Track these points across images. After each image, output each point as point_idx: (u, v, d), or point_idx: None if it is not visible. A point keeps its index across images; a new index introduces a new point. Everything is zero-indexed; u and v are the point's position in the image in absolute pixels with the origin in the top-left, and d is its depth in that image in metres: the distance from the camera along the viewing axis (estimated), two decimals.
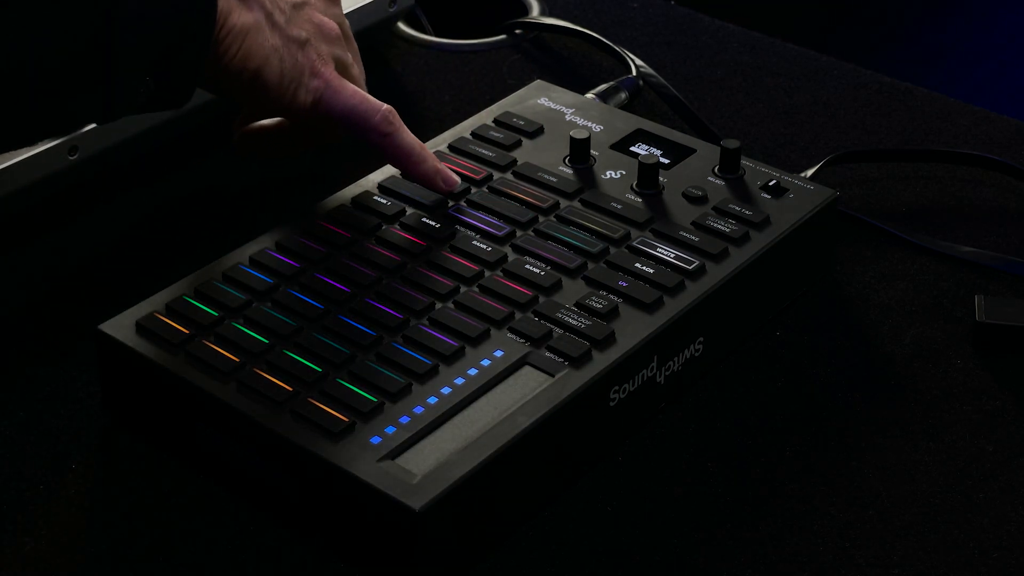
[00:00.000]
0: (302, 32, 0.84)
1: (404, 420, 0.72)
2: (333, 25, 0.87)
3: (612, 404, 0.76)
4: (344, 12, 0.92)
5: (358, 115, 0.84)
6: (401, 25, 1.13)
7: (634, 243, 0.82)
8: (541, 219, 0.85)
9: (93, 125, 0.91)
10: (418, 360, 0.75)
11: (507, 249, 0.82)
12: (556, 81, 0.99)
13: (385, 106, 0.84)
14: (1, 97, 0.72)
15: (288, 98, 0.83)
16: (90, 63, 0.74)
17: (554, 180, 0.87)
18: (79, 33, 0.73)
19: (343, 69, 0.87)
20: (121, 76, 0.75)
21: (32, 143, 0.80)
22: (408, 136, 0.85)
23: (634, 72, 1.04)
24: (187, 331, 0.77)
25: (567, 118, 0.93)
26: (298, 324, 0.77)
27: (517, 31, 1.13)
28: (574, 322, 0.77)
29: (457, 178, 0.86)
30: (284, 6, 0.83)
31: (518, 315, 0.78)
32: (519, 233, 0.83)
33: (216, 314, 0.78)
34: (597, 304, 0.78)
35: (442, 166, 0.86)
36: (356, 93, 0.84)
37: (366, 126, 0.84)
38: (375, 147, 0.85)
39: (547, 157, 0.90)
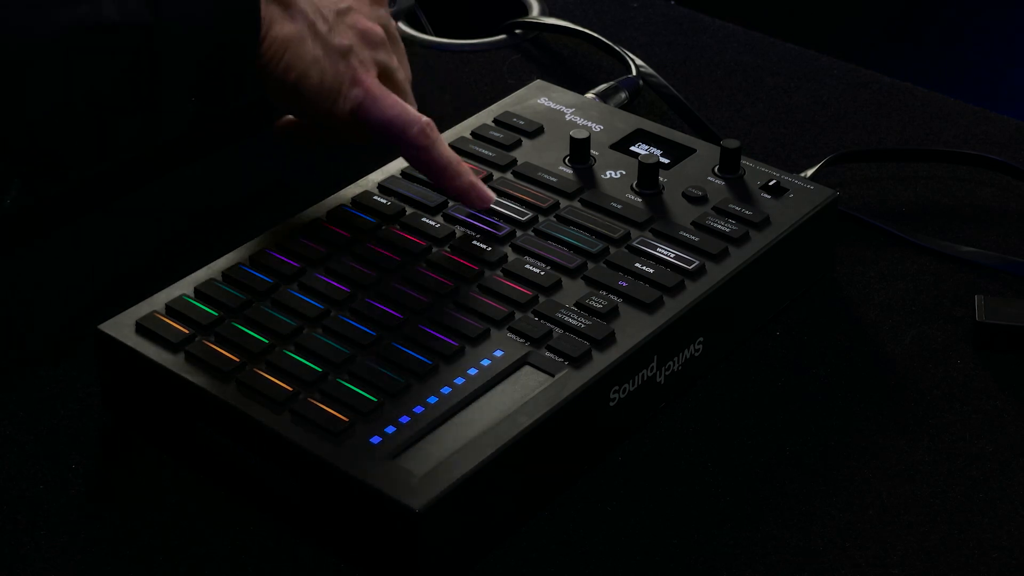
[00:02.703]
0: (344, 40, 0.83)
1: (404, 420, 0.72)
2: (378, 30, 0.87)
3: (612, 404, 0.76)
4: None
5: (396, 127, 0.83)
6: (401, 25, 1.13)
7: (634, 243, 0.82)
8: (541, 219, 0.85)
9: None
10: (418, 360, 0.75)
11: (507, 249, 0.82)
12: (556, 81, 0.99)
13: (424, 119, 0.83)
14: (47, 129, 0.73)
15: (327, 107, 0.83)
16: (134, 89, 0.74)
17: (554, 180, 0.87)
18: (122, 59, 0.73)
19: (387, 74, 0.87)
20: (166, 98, 0.75)
21: (77, 172, 0.80)
22: (444, 150, 0.84)
23: (634, 72, 1.04)
24: (187, 331, 0.77)
25: (567, 118, 0.93)
26: (298, 324, 0.77)
27: (517, 31, 1.13)
28: (574, 322, 0.77)
29: (492, 195, 0.85)
30: (328, 14, 0.83)
31: (518, 315, 0.78)
32: (519, 233, 0.83)
33: (216, 314, 0.78)
34: (597, 304, 0.78)
35: (477, 181, 0.85)
36: (395, 104, 0.83)
37: (403, 138, 0.83)
38: (410, 160, 0.84)
39: (547, 157, 0.90)
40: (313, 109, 0.83)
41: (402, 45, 0.90)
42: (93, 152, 0.77)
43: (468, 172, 0.85)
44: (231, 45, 0.77)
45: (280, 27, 0.79)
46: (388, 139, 0.84)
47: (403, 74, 0.89)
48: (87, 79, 0.72)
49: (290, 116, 0.91)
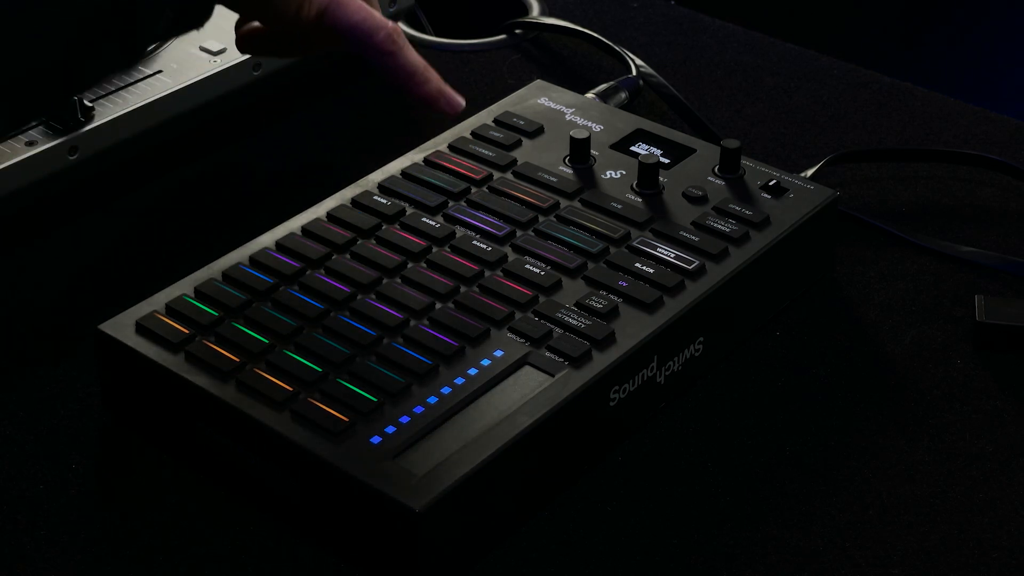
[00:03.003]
0: None
1: (404, 420, 0.72)
2: None
3: (612, 404, 0.76)
4: None
5: (362, 31, 0.81)
6: (401, 25, 1.13)
7: (634, 243, 0.82)
8: (541, 219, 0.85)
9: (91, 126, 0.91)
10: (418, 360, 0.75)
11: (507, 249, 0.82)
12: (556, 81, 0.99)
13: (390, 23, 0.82)
14: (22, 61, 0.71)
15: (293, 11, 0.81)
16: (112, 7, 0.72)
17: (554, 180, 0.87)
18: None
19: None
20: (143, 10, 0.73)
21: (57, 106, 0.77)
22: (412, 55, 0.82)
23: (634, 72, 1.04)
24: (187, 331, 0.77)
25: (567, 118, 0.93)
26: (298, 324, 0.77)
27: (517, 31, 1.13)
28: (574, 322, 0.77)
29: (461, 100, 0.84)
30: None
31: (518, 315, 0.78)
32: (519, 233, 0.83)
33: (216, 314, 0.78)
34: (597, 304, 0.78)
35: (446, 87, 0.83)
36: (361, 9, 0.82)
37: (369, 43, 0.81)
38: (377, 66, 0.82)
39: (547, 157, 0.90)
40: (279, 13, 0.81)
41: None
42: (68, 86, 0.75)
43: (437, 78, 0.83)
44: None
45: None
46: (354, 45, 0.82)
47: None
48: (62, 8, 0.71)
49: (254, 23, 0.89)
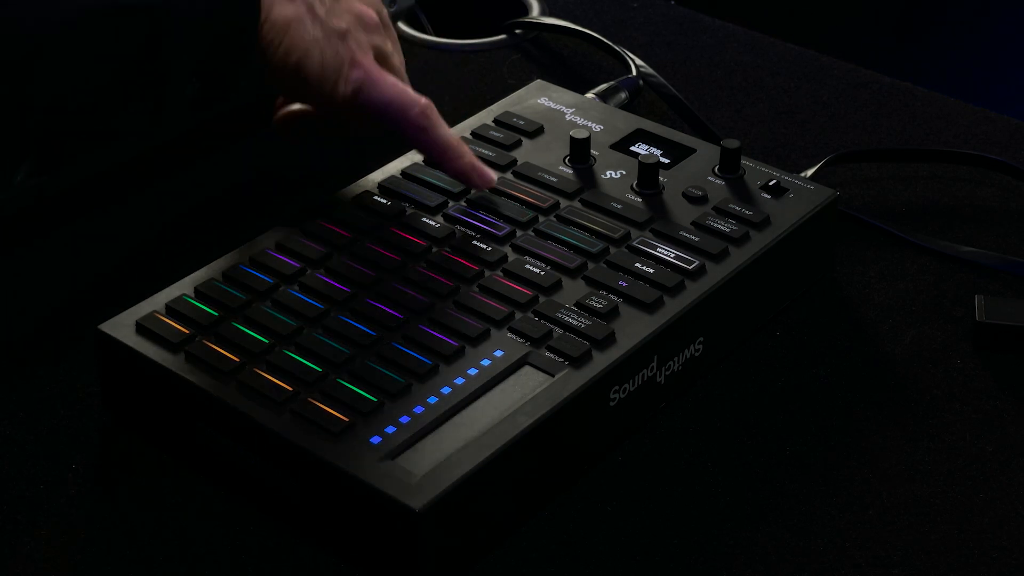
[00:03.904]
0: (342, 23, 0.84)
1: (404, 420, 0.72)
2: (372, 14, 0.87)
3: (612, 404, 0.76)
4: None
5: (396, 108, 0.83)
6: (401, 25, 1.13)
7: (634, 243, 0.82)
8: (541, 219, 0.85)
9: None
10: (418, 360, 0.75)
11: (507, 249, 0.82)
12: (556, 81, 0.99)
13: (423, 99, 0.84)
14: (53, 113, 0.73)
15: (328, 89, 0.83)
16: (139, 73, 0.74)
17: (554, 180, 0.87)
18: (128, 43, 0.73)
19: (383, 58, 0.87)
20: (169, 83, 0.75)
21: (77, 162, 0.80)
22: (445, 131, 0.84)
23: (634, 72, 1.04)
24: (187, 331, 0.77)
25: (567, 118, 0.93)
26: (298, 324, 0.77)
27: (517, 31, 1.13)
28: (574, 322, 0.77)
29: (493, 175, 0.85)
30: None
31: (518, 315, 0.78)
32: (519, 233, 0.83)
33: (216, 314, 0.78)
34: (597, 304, 0.78)
35: (478, 162, 0.85)
36: (395, 85, 0.84)
37: (403, 119, 0.83)
38: (411, 141, 0.84)
39: (547, 157, 0.90)
40: (314, 92, 0.83)
41: (394, 32, 0.91)
42: (97, 138, 0.77)
43: (469, 153, 0.85)
44: (233, 28, 0.77)
45: (280, 9, 0.80)
46: (388, 121, 0.84)
47: (398, 59, 0.89)
48: (95, 64, 0.73)
49: (290, 107, 0.91)
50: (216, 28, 0.76)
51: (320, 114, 0.89)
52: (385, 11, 0.90)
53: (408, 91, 0.84)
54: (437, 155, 0.84)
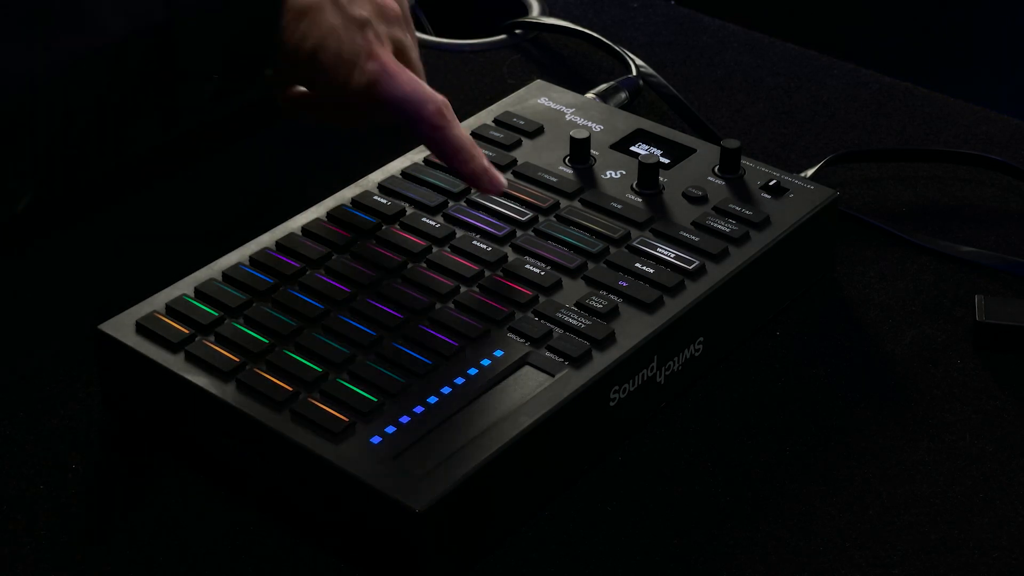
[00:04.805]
0: (363, 12, 0.81)
1: (404, 420, 0.72)
2: (395, 5, 0.85)
3: (612, 404, 0.76)
4: None
5: (411, 104, 0.81)
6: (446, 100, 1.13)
7: (634, 243, 0.82)
8: (541, 219, 0.85)
9: None
10: (418, 360, 0.75)
11: (507, 249, 0.82)
12: (556, 81, 0.99)
13: (440, 98, 0.82)
14: (58, 144, 0.71)
15: (343, 79, 0.80)
16: (151, 88, 0.72)
17: (554, 180, 0.87)
18: (134, 64, 0.71)
19: (402, 52, 0.85)
20: (186, 87, 0.73)
21: (96, 172, 0.78)
22: (459, 132, 0.82)
23: (634, 72, 1.04)
24: (187, 331, 0.77)
25: (567, 118, 0.93)
26: (298, 324, 0.77)
27: (517, 31, 1.13)
28: (574, 322, 0.77)
29: (504, 180, 0.84)
30: None
31: (518, 315, 0.78)
32: (519, 233, 0.83)
33: (216, 314, 0.78)
34: (597, 304, 0.78)
35: (490, 166, 0.83)
36: (411, 81, 0.82)
37: (418, 117, 0.81)
38: (425, 139, 0.82)
39: (547, 157, 0.90)
40: (328, 81, 0.81)
41: (414, 27, 0.89)
42: (110, 154, 0.75)
43: (482, 156, 0.83)
44: (252, 22, 0.75)
45: None
46: (402, 117, 0.82)
47: (416, 54, 0.87)
48: (98, 95, 0.71)
49: (300, 88, 0.90)
50: (233, 26, 0.74)
51: (330, 102, 0.88)
52: (407, 5, 0.88)
53: (425, 87, 0.82)
54: (450, 155, 0.82)
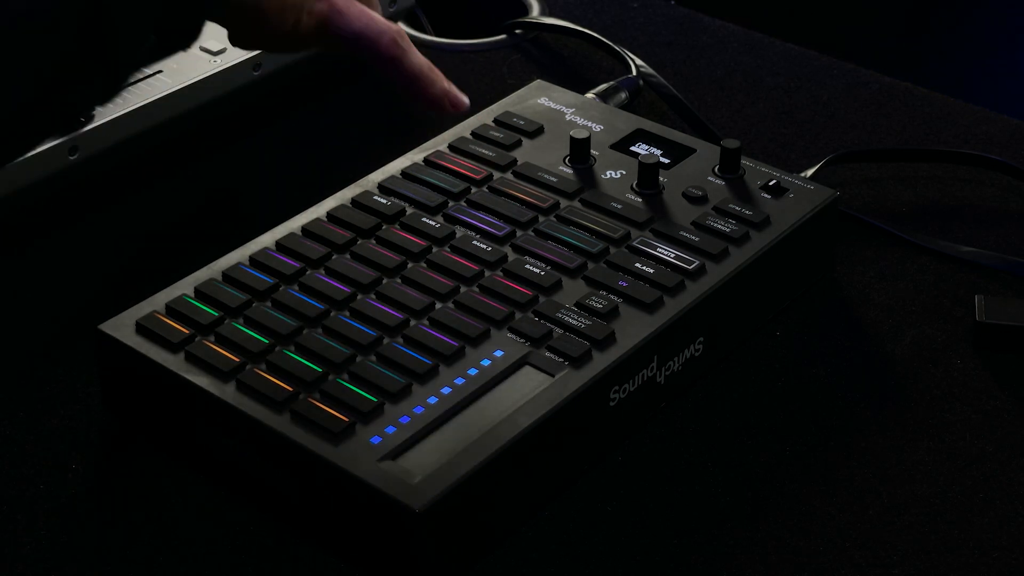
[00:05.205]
0: None
1: (404, 420, 0.72)
2: None
3: (612, 404, 0.76)
4: None
5: (365, 39, 0.79)
6: (401, 25, 1.13)
7: (634, 243, 0.82)
8: (541, 219, 0.85)
9: (91, 126, 0.91)
10: (418, 360, 0.75)
11: (507, 249, 0.82)
12: (556, 81, 0.99)
13: (394, 27, 0.79)
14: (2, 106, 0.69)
15: (290, 25, 0.78)
16: (86, 54, 0.69)
17: (554, 180, 0.87)
18: (67, 32, 0.67)
19: None
20: (122, 50, 0.70)
21: (34, 146, 0.76)
22: (417, 58, 0.80)
23: (634, 72, 1.04)
24: (187, 331, 0.77)
25: (567, 118, 0.93)
26: (298, 324, 0.77)
27: (517, 31, 1.13)
28: (574, 322, 0.77)
29: (466, 99, 0.82)
30: None
31: (518, 315, 0.78)
32: (519, 233, 0.83)
33: (216, 314, 0.78)
34: (597, 304, 0.78)
35: (451, 87, 0.81)
36: (362, 14, 0.79)
37: (373, 49, 0.79)
38: (383, 72, 0.80)
39: (547, 157, 0.90)
40: (276, 29, 0.78)
41: None
42: (55, 123, 0.73)
43: (442, 79, 0.81)
44: None
45: None
46: (358, 53, 0.80)
47: None
48: (35, 67, 0.67)
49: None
50: None
51: (281, 51, 0.84)
52: None
53: (377, 19, 0.79)
54: (409, 84, 0.80)
